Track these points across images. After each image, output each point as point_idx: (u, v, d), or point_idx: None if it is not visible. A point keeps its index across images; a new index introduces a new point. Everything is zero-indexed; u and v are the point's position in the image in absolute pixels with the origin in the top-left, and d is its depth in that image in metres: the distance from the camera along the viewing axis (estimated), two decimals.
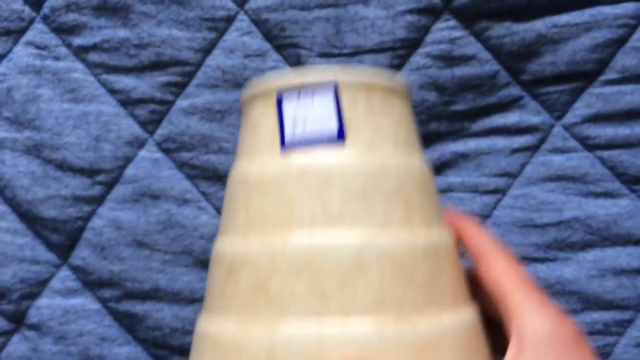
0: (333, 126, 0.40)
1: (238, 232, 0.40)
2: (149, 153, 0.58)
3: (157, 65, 0.58)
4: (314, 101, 0.40)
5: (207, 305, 0.42)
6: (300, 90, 0.41)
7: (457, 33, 0.58)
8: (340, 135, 0.40)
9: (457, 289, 0.40)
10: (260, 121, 0.42)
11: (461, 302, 0.40)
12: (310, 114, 0.40)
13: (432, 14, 0.58)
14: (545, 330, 0.37)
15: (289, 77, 0.41)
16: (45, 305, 0.58)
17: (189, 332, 0.57)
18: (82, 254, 0.58)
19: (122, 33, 0.58)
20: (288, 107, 0.41)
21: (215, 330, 0.39)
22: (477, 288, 0.44)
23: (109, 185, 0.58)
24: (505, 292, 0.39)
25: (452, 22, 0.58)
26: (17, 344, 0.58)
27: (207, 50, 0.58)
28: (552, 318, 0.37)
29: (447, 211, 0.45)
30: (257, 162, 0.41)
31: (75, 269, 0.58)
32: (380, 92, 0.41)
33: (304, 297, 0.36)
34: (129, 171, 0.58)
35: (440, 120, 0.59)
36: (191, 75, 0.58)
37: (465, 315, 0.39)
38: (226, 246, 0.41)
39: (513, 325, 0.38)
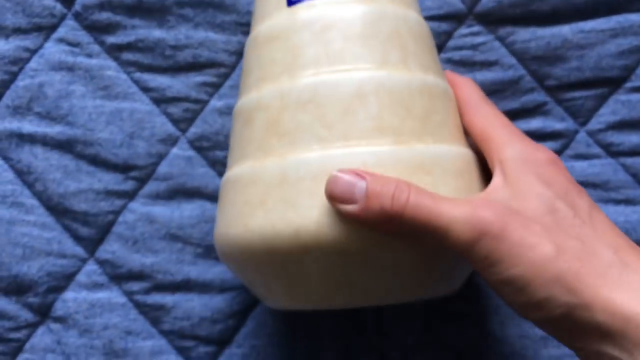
0: None
1: (252, 86, 0.45)
2: (182, 151, 0.59)
3: (192, 66, 0.59)
4: None
5: (228, 164, 0.47)
6: None
7: (481, 39, 0.59)
8: None
9: (452, 128, 0.45)
10: None
11: (456, 140, 0.44)
12: None
13: (455, 19, 0.59)
14: (524, 155, 0.41)
15: None
16: (71, 299, 0.59)
17: (217, 320, 0.58)
18: (111, 248, 0.58)
19: (158, 34, 0.59)
20: None
21: (235, 172, 0.44)
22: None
23: (142, 181, 0.59)
24: (489, 132, 0.44)
25: (476, 28, 0.59)
26: (42, 336, 0.58)
27: (241, 53, 0.59)
28: (530, 146, 0.42)
29: (446, 72, 0.51)
30: (266, 21, 0.46)
31: (102, 263, 0.59)
32: None
33: (310, 127, 0.41)
34: (162, 168, 0.59)
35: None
36: (226, 76, 0.59)
37: (460, 150, 0.44)
38: (243, 102, 0.46)
39: (495, 159, 0.42)
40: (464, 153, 0.44)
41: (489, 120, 0.45)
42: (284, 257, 0.41)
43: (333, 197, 0.39)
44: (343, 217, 0.39)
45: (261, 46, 0.45)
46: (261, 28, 0.46)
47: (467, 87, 0.48)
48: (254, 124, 0.44)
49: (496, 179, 0.41)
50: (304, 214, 0.39)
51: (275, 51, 0.44)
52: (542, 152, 0.42)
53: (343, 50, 0.43)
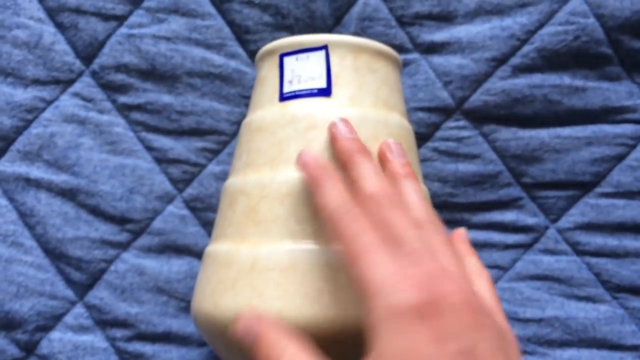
0: (322, 82, 0.48)
1: (239, 171, 0.49)
2: (177, 209, 0.63)
3: (195, 132, 0.63)
4: (309, 60, 0.49)
5: (212, 236, 0.50)
6: (298, 50, 0.49)
7: (466, 133, 0.64)
8: (328, 89, 0.48)
9: None
10: (266, 77, 0.51)
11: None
12: (305, 70, 0.48)
13: (444, 113, 0.64)
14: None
15: (290, 39, 0.49)
16: (57, 339, 0.61)
17: None
18: (100, 294, 0.62)
19: (167, 99, 0.63)
20: (287, 65, 0.49)
21: (215, 249, 0.47)
22: None
23: (136, 234, 0.62)
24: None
25: (462, 122, 0.64)
26: None
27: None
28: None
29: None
30: (259, 111, 0.49)
31: (89, 308, 0.62)
32: (367, 54, 0.49)
33: (284, 221, 0.44)
34: (157, 223, 0.63)
35: (441, 210, 0.64)
36: (225, 144, 0.64)
37: None
38: (230, 183, 0.49)
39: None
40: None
41: (349, 245, 0.37)
42: None
43: (235, 337, 0.41)
44: (302, 310, 0.42)
45: (252, 134, 0.49)
46: (254, 116, 0.50)
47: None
48: (236, 207, 0.47)
49: (368, 355, 0.34)
50: (267, 303, 0.42)
51: (262, 142, 0.48)
52: (407, 298, 0.33)
53: (323, 151, 0.46)
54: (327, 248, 0.43)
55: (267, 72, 0.50)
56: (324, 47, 0.48)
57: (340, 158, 0.43)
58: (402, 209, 0.39)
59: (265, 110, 0.49)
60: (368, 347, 0.34)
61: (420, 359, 0.31)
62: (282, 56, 0.49)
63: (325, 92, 0.48)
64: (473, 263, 0.43)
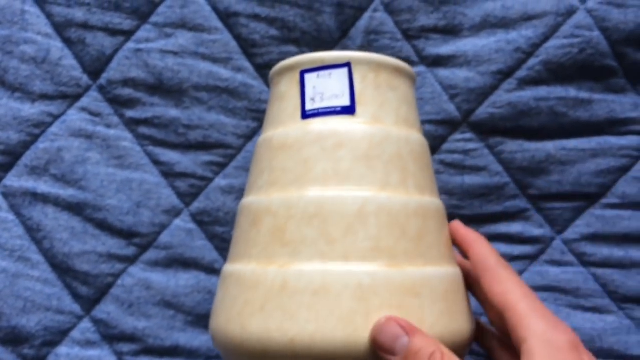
0: (346, 99, 0.48)
1: (262, 189, 0.48)
2: (184, 223, 0.63)
3: (202, 146, 0.64)
4: (331, 77, 0.48)
5: (231, 255, 0.49)
6: (320, 67, 0.49)
7: (472, 145, 0.64)
8: (352, 107, 0.48)
9: (443, 248, 0.47)
10: (285, 94, 0.50)
11: (445, 260, 0.47)
12: (328, 88, 0.48)
13: (451, 126, 0.64)
14: (547, 337, 0.41)
15: (311, 56, 0.49)
16: (64, 354, 0.61)
17: None
18: (107, 309, 0.62)
19: (174, 113, 0.63)
20: (309, 82, 0.49)
21: (239, 269, 0.46)
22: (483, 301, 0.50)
23: (144, 248, 0.63)
24: (511, 304, 0.44)
25: (469, 135, 0.64)
26: None
27: (249, 137, 0.64)
28: (552, 325, 0.42)
29: (457, 225, 0.51)
30: (281, 128, 0.49)
31: (97, 322, 0.62)
32: (388, 71, 0.49)
33: (313, 242, 0.44)
34: (164, 237, 0.63)
35: (448, 222, 0.64)
36: (232, 157, 0.64)
37: (448, 270, 0.46)
38: (252, 201, 0.48)
39: (520, 337, 0.42)
40: (452, 273, 0.47)
41: (510, 289, 0.44)
42: None
43: (376, 342, 0.40)
44: (335, 333, 0.41)
45: (274, 151, 0.48)
46: (275, 133, 0.49)
47: (482, 247, 0.48)
48: (261, 227, 0.46)
49: None
50: (300, 326, 0.41)
51: (286, 160, 0.47)
52: (564, 334, 0.41)
53: (350, 170, 0.45)
54: (357, 268, 0.43)
55: (287, 88, 0.50)
56: (347, 65, 0.48)
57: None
58: None
59: (287, 128, 0.49)
60: None
61: None
62: (302, 73, 0.49)
63: (350, 110, 0.47)
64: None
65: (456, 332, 0.45)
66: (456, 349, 0.45)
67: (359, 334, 0.41)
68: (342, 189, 0.45)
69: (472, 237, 0.49)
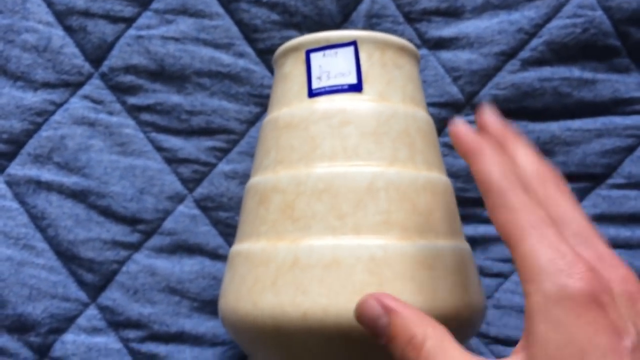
0: (353, 77, 0.48)
1: (268, 167, 0.48)
2: (188, 209, 0.63)
3: (205, 131, 0.64)
4: (337, 56, 0.48)
5: (238, 235, 0.49)
6: (326, 46, 0.49)
7: (476, 127, 0.63)
8: (359, 85, 0.48)
9: (452, 223, 0.47)
10: (290, 73, 0.50)
11: (455, 236, 0.47)
12: (334, 66, 0.48)
13: (454, 108, 0.64)
14: (558, 291, 0.30)
15: (316, 35, 0.49)
16: (70, 341, 0.61)
17: None
18: (112, 295, 0.62)
19: (176, 99, 0.63)
20: (315, 61, 0.49)
21: (248, 248, 0.46)
22: None
23: (148, 235, 0.63)
24: (515, 239, 0.33)
25: (472, 117, 0.64)
26: None
27: (251, 122, 0.64)
28: (566, 268, 0.31)
29: (458, 129, 0.38)
30: (287, 108, 0.49)
31: (102, 309, 0.62)
32: (393, 50, 0.49)
33: (324, 217, 0.44)
34: (168, 224, 0.63)
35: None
36: (235, 142, 0.64)
37: (459, 245, 0.46)
38: (258, 180, 0.48)
39: (525, 287, 0.32)
40: (462, 248, 0.47)
41: (515, 217, 0.33)
42: (289, 337, 0.43)
43: (360, 319, 0.39)
44: (348, 306, 0.41)
45: (280, 130, 0.48)
46: (281, 113, 0.49)
47: (485, 163, 0.36)
48: (269, 205, 0.46)
49: (523, 341, 0.31)
50: (312, 300, 0.41)
51: (293, 138, 0.47)
52: (580, 281, 0.30)
53: (358, 146, 0.45)
54: (369, 242, 0.43)
55: (292, 69, 0.50)
56: (353, 43, 0.48)
57: (495, 138, 0.39)
58: (564, 189, 0.36)
59: (293, 107, 0.49)
60: (524, 333, 0.31)
61: (591, 353, 0.28)
62: (308, 52, 0.49)
63: (356, 87, 0.47)
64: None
65: (469, 305, 0.44)
66: (470, 323, 0.45)
67: None
68: (350, 165, 0.45)
69: (476, 148, 0.37)
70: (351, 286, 0.41)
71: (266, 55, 0.64)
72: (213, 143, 0.64)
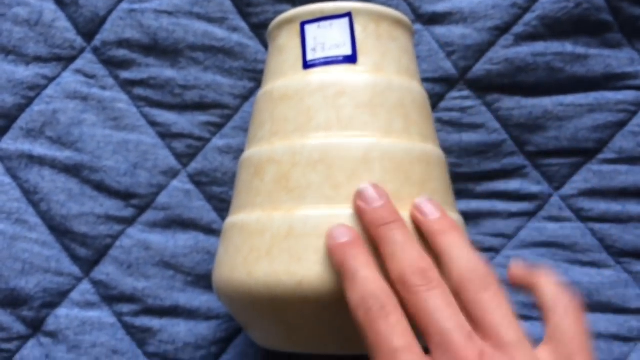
0: (347, 49, 0.48)
1: (263, 139, 0.48)
2: (182, 184, 0.63)
3: (199, 106, 0.63)
4: (332, 27, 0.49)
5: (233, 207, 0.50)
6: (320, 18, 0.49)
7: (470, 102, 0.64)
8: (353, 56, 0.48)
9: (445, 194, 0.48)
10: (285, 46, 0.50)
11: (449, 206, 0.48)
12: (329, 38, 0.49)
13: (448, 83, 0.64)
14: None
15: (311, 7, 0.49)
16: (63, 315, 0.61)
17: (200, 347, 0.61)
18: (106, 270, 0.62)
19: (169, 73, 0.63)
20: (310, 33, 0.49)
21: (242, 219, 0.47)
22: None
23: (142, 209, 0.63)
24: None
25: (466, 92, 0.64)
26: (32, 349, 0.61)
27: (245, 97, 0.64)
28: None
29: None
30: (281, 79, 0.49)
31: (96, 283, 0.62)
32: (388, 22, 0.50)
33: (319, 187, 0.44)
34: (162, 198, 0.63)
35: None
36: (229, 117, 0.64)
37: (452, 216, 0.47)
38: (253, 152, 0.49)
39: None
40: (455, 219, 0.47)
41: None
42: (285, 305, 0.43)
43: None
44: None
45: (275, 102, 0.49)
46: (276, 85, 0.49)
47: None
48: (264, 175, 0.47)
49: None
50: (307, 268, 0.42)
51: (288, 109, 0.48)
52: None
53: (353, 117, 0.46)
54: None
55: (286, 41, 0.50)
56: (348, 15, 0.48)
57: (369, 231, 0.42)
58: (440, 287, 0.38)
59: (288, 79, 0.49)
60: None
61: None
62: (303, 24, 0.49)
63: (351, 59, 0.48)
64: (551, 291, 0.43)
65: None
66: None
67: None
68: (345, 135, 0.45)
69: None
70: None
71: (260, 30, 0.64)
72: (207, 118, 0.63)
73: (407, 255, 0.39)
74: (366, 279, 0.39)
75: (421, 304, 0.37)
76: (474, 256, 0.40)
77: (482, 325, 0.37)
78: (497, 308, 0.38)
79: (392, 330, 0.36)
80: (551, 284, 0.43)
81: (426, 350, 0.37)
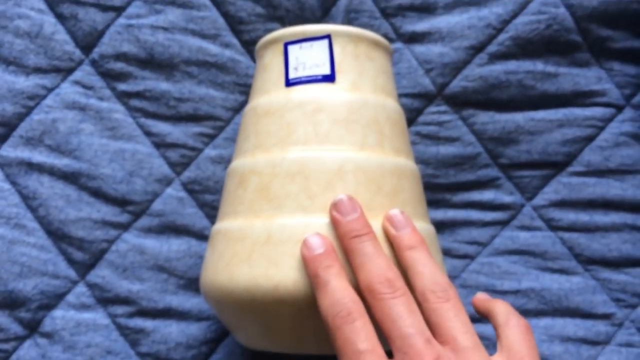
0: (327, 68, 0.52)
1: (247, 152, 0.52)
2: (175, 191, 0.66)
3: (192, 117, 0.67)
4: (312, 48, 0.52)
5: (219, 215, 0.53)
6: (302, 39, 0.53)
7: (447, 117, 0.68)
8: (332, 75, 0.52)
9: (417, 205, 0.51)
10: (269, 65, 0.54)
11: (419, 217, 0.51)
12: (309, 58, 0.52)
13: (426, 99, 0.68)
14: None
15: (294, 29, 0.53)
16: (59, 317, 0.64)
17: (191, 346, 0.64)
18: (102, 273, 0.64)
19: (165, 86, 0.66)
20: (292, 52, 0.53)
21: (226, 226, 0.50)
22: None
23: (137, 215, 0.65)
24: None
25: (443, 107, 0.68)
26: (28, 349, 0.63)
27: (237, 110, 0.67)
28: None
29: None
30: (265, 96, 0.53)
31: (91, 286, 0.64)
32: (366, 43, 0.53)
33: (296, 197, 0.47)
34: (156, 205, 0.66)
35: (424, 190, 0.67)
36: (221, 129, 0.67)
37: (423, 226, 0.50)
38: (238, 164, 0.52)
39: None
40: (426, 229, 0.51)
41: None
42: (262, 307, 0.46)
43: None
44: None
45: (259, 117, 0.52)
46: (260, 101, 0.53)
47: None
48: (247, 186, 0.50)
49: None
50: (283, 273, 0.45)
51: (270, 125, 0.51)
52: None
53: (330, 132, 0.49)
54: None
55: (271, 60, 0.54)
56: (327, 37, 0.52)
57: (342, 242, 0.45)
58: (405, 295, 0.42)
59: (271, 95, 0.52)
60: None
61: None
62: (286, 45, 0.53)
63: (330, 78, 0.51)
64: (503, 311, 0.47)
65: None
66: None
67: None
68: (322, 149, 0.49)
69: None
70: None
71: (251, 47, 0.67)
72: (200, 129, 0.67)
73: (376, 265, 0.43)
74: (336, 288, 0.42)
75: (386, 310, 0.41)
76: (437, 271, 0.44)
77: (441, 332, 0.41)
78: (455, 316, 0.42)
79: (357, 335, 0.40)
80: (504, 307, 0.47)
81: (389, 354, 0.41)
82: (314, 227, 0.46)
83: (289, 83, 0.52)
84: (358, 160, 0.49)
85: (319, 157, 0.48)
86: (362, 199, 0.47)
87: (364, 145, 0.50)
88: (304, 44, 0.52)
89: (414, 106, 0.67)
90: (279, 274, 0.45)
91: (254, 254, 0.47)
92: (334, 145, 0.49)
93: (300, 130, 0.50)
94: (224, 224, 0.51)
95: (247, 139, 0.53)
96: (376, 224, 0.47)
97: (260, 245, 0.47)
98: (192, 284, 0.65)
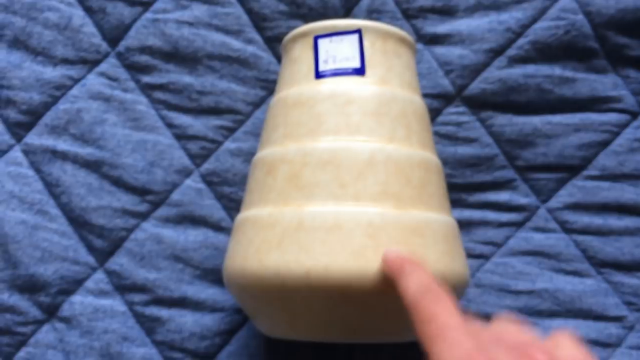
0: (357, 62, 0.53)
1: (276, 141, 0.53)
2: (194, 183, 0.67)
3: (214, 111, 0.68)
4: (343, 42, 0.54)
5: (245, 204, 0.54)
6: (333, 33, 0.54)
7: (465, 118, 0.68)
8: (362, 69, 0.53)
9: (441, 199, 0.52)
10: (298, 58, 0.55)
11: (444, 210, 0.52)
12: (339, 51, 0.53)
13: (445, 99, 0.68)
14: None
15: (324, 23, 0.54)
16: (78, 302, 0.65)
17: (205, 337, 0.65)
18: (120, 261, 0.66)
19: (188, 79, 0.68)
20: (322, 46, 0.54)
21: (255, 214, 0.51)
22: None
23: (156, 205, 0.67)
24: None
25: (462, 109, 0.69)
26: (46, 333, 0.65)
27: (257, 104, 0.68)
28: None
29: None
30: (295, 87, 0.54)
31: (110, 273, 0.66)
32: (394, 40, 0.55)
33: (327, 185, 0.48)
34: (175, 196, 0.67)
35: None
36: (241, 122, 0.68)
37: (447, 219, 0.51)
38: (266, 153, 0.53)
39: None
40: (450, 222, 0.51)
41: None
42: (293, 293, 0.47)
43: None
44: (347, 265, 0.45)
45: (288, 108, 0.53)
46: (289, 92, 0.54)
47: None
48: (276, 174, 0.51)
49: None
50: (315, 259, 0.46)
51: (301, 115, 0.52)
52: None
53: (360, 123, 0.50)
54: (368, 209, 0.47)
55: (300, 53, 0.55)
56: (358, 31, 0.53)
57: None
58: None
59: (301, 87, 0.53)
60: None
61: None
62: (316, 38, 0.54)
63: (360, 71, 0.52)
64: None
65: (456, 272, 0.49)
66: (454, 289, 0.49)
67: (370, 265, 0.45)
68: (353, 140, 0.50)
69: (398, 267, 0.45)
70: (350, 248, 0.46)
71: (273, 43, 0.69)
72: (221, 122, 0.68)
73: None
74: (422, 273, 0.41)
75: None
76: None
77: None
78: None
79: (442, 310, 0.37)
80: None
81: None
82: (345, 214, 0.47)
83: (319, 75, 0.53)
84: (388, 152, 0.49)
85: (350, 147, 0.49)
86: (393, 189, 0.48)
87: (393, 137, 0.51)
88: (335, 38, 0.53)
89: (433, 106, 0.68)
90: (310, 259, 0.46)
91: (285, 240, 0.47)
92: (364, 136, 0.50)
93: (331, 121, 0.51)
94: (252, 212, 0.51)
95: (276, 128, 0.53)
96: (405, 215, 0.48)
97: (292, 232, 0.47)
98: (207, 274, 0.66)
